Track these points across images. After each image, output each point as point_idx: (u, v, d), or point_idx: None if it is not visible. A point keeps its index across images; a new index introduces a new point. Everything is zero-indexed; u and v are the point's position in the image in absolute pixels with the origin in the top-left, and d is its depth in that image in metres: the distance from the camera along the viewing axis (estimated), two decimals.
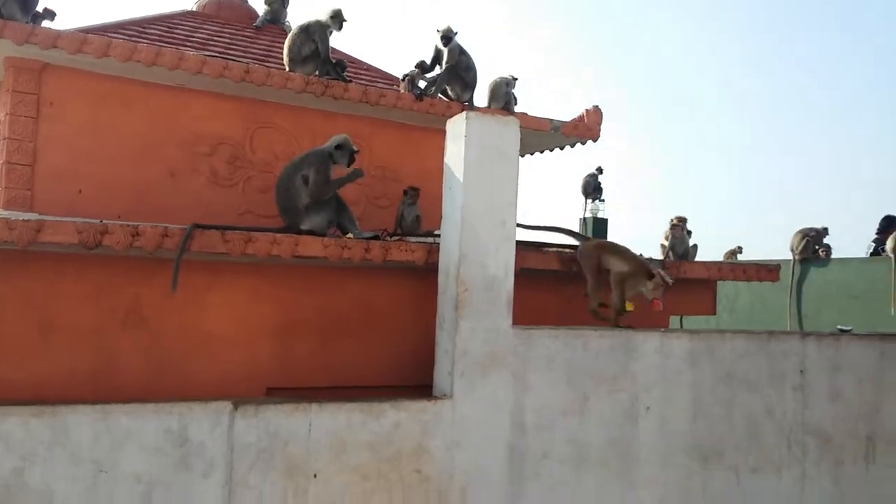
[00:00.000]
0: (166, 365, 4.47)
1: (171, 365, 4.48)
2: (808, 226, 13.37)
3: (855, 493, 5.63)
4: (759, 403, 5.34)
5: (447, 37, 7.14)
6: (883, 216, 13.52)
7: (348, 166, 5.12)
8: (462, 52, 7.17)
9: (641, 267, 5.25)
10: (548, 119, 7.17)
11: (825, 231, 13.50)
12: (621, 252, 5.34)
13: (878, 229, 13.57)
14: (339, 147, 5.07)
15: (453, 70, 7.08)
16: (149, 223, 4.20)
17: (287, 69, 6.24)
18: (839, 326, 5.98)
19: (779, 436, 5.39)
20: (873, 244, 13.56)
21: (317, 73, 6.24)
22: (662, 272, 5.20)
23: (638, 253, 5.54)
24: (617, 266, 5.25)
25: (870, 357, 5.76)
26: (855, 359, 5.70)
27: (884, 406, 5.77)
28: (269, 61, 6.91)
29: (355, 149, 5.16)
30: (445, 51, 7.10)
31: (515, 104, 7.47)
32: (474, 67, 7.24)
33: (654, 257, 6.29)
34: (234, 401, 3.98)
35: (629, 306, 5.22)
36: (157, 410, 3.80)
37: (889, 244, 12.48)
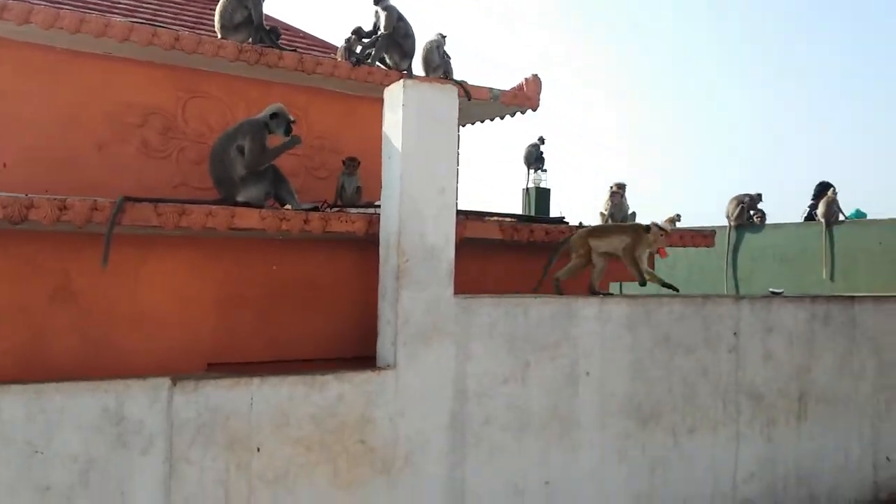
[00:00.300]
0: (101, 342, 4.36)
1: (105, 342, 4.38)
2: (744, 192, 13.71)
3: (787, 450, 5.85)
4: (696, 365, 5.48)
5: (383, 1, 7.01)
6: (818, 182, 13.95)
7: (285, 136, 5.03)
8: (400, 18, 7.05)
9: (636, 230, 5.47)
10: (487, 88, 7.15)
11: (759, 197, 13.87)
12: (610, 229, 5.61)
13: (813, 195, 14.01)
14: (274, 116, 4.97)
15: (390, 37, 6.97)
16: (77, 197, 4.06)
17: (219, 37, 6.07)
18: (771, 289, 6.16)
19: (714, 396, 5.55)
20: (808, 209, 14.01)
21: (250, 40, 6.09)
22: (657, 223, 5.49)
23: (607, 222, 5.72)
24: (616, 242, 5.44)
25: (801, 319, 5.96)
26: (786, 321, 5.89)
27: (814, 366, 5.99)
28: (199, 28, 6.71)
29: (291, 118, 5.06)
30: (382, 16, 6.98)
31: (449, 61, 7.36)
32: (413, 35, 7.14)
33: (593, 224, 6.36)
34: (173, 377, 3.90)
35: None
36: (92, 389, 3.70)
37: (820, 209, 12.91)
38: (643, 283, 5.47)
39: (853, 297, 6.48)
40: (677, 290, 5.56)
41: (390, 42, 6.96)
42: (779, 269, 11.59)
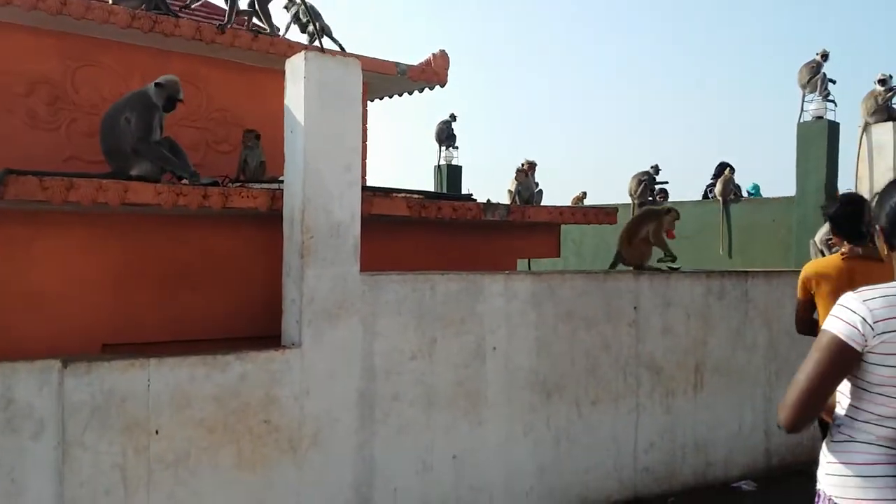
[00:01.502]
0: None
1: None
2: (642, 169, 14.10)
3: (684, 420, 6.09)
4: (598, 339, 5.62)
5: None
6: (718, 163, 14.51)
7: (166, 111, 4.80)
8: None
9: (657, 213, 6.35)
10: (394, 62, 7.08)
11: (657, 169, 14.30)
12: (642, 216, 6.49)
13: (713, 174, 14.58)
14: (158, 85, 4.75)
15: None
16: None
17: (110, 2, 5.77)
18: (668, 265, 6.36)
19: (616, 369, 5.71)
20: (707, 188, 14.56)
21: (143, 7, 5.81)
22: (674, 208, 6.52)
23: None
24: (647, 228, 6.26)
25: (697, 293, 6.18)
26: (684, 295, 6.10)
27: (709, 339, 6.24)
28: None
29: (178, 93, 4.83)
30: None
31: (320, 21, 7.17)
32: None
33: (500, 202, 6.42)
34: (63, 359, 3.73)
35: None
36: None
37: (717, 188, 13.44)
38: (674, 259, 6.36)
39: (747, 272, 6.76)
40: (675, 258, 6.38)
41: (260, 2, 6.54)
42: (678, 245, 12.02)
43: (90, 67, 5.76)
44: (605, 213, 6.82)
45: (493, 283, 5.16)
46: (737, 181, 13.86)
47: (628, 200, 13.61)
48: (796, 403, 2.08)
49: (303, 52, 4.47)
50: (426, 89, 7.74)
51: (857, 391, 2.11)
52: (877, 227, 2.21)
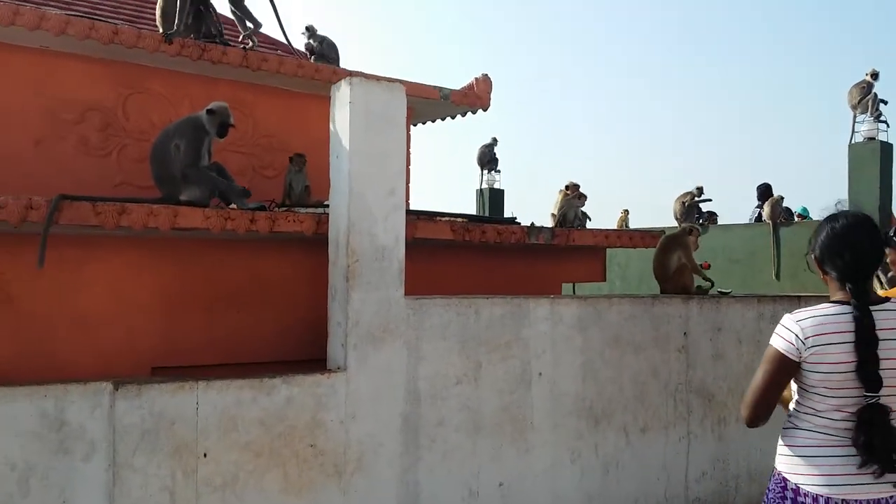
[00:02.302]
0: (39, 346, 4.19)
1: (44, 346, 4.20)
2: (685, 191, 13.91)
3: (737, 448, 5.93)
4: (646, 365, 5.51)
5: None
6: (758, 185, 14.26)
7: (219, 137, 4.86)
8: None
9: (679, 238, 6.20)
10: (437, 87, 7.11)
11: (700, 191, 14.08)
12: (665, 245, 6.28)
13: (758, 196, 14.32)
14: (210, 112, 4.81)
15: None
16: (11, 195, 3.88)
17: (161, 31, 5.90)
18: (719, 289, 6.23)
19: (665, 396, 5.59)
20: (756, 210, 14.29)
21: (192, 35, 5.92)
22: (693, 226, 6.45)
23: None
24: (675, 256, 6.09)
25: (748, 318, 6.04)
26: (735, 320, 5.96)
27: None
28: (140, 22, 6.52)
29: (229, 119, 4.89)
30: None
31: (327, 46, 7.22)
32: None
33: (544, 226, 6.36)
34: (115, 381, 3.76)
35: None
36: (29, 393, 3.55)
37: (765, 211, 13.19)
38: (712, 284, 6.30)
39: (799, 296, 6.60)
40: (712, 283, 6.30)
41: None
42: (728, 269, 11.82)
43: (140, 95, 5.88)
44: (651, 237, 6.73)
45: (539, 308, 5.10)
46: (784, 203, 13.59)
47: (673, 222, 13.44)
48: (751, 404, 2.73)
49: (348, 78, 4.50)
50: (469, 113, 7.75)
51: (800, 391, 2.72)
52: (812, 256, 2.75)
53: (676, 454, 5.63)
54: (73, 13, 5.68)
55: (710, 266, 6.32)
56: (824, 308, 2.66)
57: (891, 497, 2.61)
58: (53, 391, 3.61)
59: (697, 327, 5.76)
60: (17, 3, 5.46)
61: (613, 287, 13.09)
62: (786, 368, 2.67)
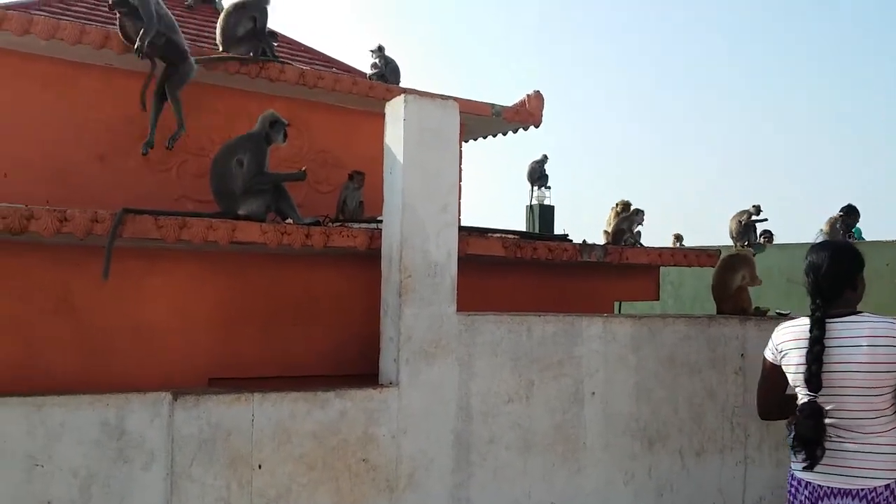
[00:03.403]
0: (101, 356, 4.28)
1: (106, 356, 4.30)
2: (742, 209, 13.63)
3: None
4: (702, 387, 5.41)
5: None
6: (843, 206, 13.75)
7: (283, 142, 4.97)
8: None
9: (741, 259, 6.13)
10: (489, 104, 7.13)
11: (758, 209, 13.79)
12: (727, 264, 6.17)
13: (843, 217, 13.84)
14: (272, 124, 4.92)
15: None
16: (78, 209, 4.00)
17: (221, 49, 6.04)
18: (777, 311, 6.10)
19: (722, 418, 5.47)
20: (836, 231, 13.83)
21: (251, 53, 6.05)
22: (748, 250, 6.50)
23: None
24: (737, 276, 6.01)
25: None
26: None
27: None
28: (201, 41, 6.67)
29: (284, 121, 5.02)
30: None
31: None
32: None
33: (597, 243, 6.32)
34: (174, 391, 3.84)
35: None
36: (92, 402, 3.64)
37: (824, 229, 12.86)
38: (766, 312, 6.11)
39: None
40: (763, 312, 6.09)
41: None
42: (785, 290, 11.56)
43: (200, 111, 6.02)
44: (707, 255, 6.63)
45: (592, 326, 5.05)
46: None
47: (728, 241, 13.19)
48: (758, 402, 3.61)
49: (403, 95, 4.55)
50: (520, 130, 7.75)
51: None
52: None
53: (733, 479, 5.50)
54: None
55: (761, 282, 6.15)
56: (798, 321, 3.36)
57: (860, 489, 3.08)
58: (115, 400, 3.69)
59: (755, 349, 5.60)
60: (83, 22, 5.65)
61: (666, 306, 12.89)
62: (772, 370, 3.44)
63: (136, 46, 5.15)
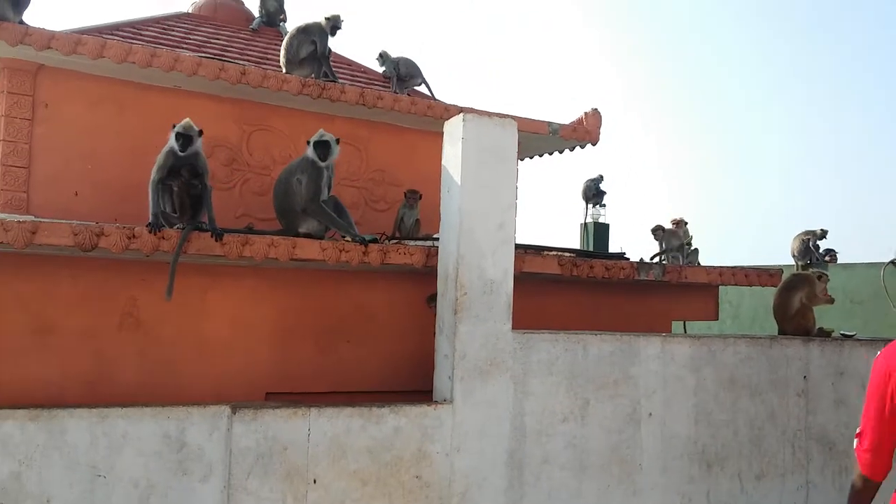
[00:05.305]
0: (163, 369, 4.42)
1: (168, 369, 4.43)
2: (807, 229, 13.29)
3: None
4: (763, 409, 5.28)
5: None
6: None
7: (321, 159, 4.85)
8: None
9: (805, 279, 6.06)
10: (546, 122, 7.13)
11: (824, 233, 13.43)
12: (790, 284, 6.10)
13: None
14: (315, 146, 4.86)
15: None
16: (145, 226, 4.14)
17: (284, 71, 6.19)
18: (842, 332, 5.92)
19: (783, 442, 5.33)
20: None
21: (313, 75, 6.19)
22: (822, 272, 6.18)
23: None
24: (798, 296, 5.94)
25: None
26: (859, 364, 5.64)
27: None
28: (265, 63, 6.86)
29: (327, 139, 4.89)
30: None
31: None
32: None
33: (654, 262, 6.25)
34: (233, 405, 3.92)
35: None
36: (154, 414, 3.75)
37: None
38: (828, 334, 5.91)
39: None
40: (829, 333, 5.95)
41: None
42: (850, 311, 11.18)
43: (263, 131, 6.18)
44: (769, 275, 6.48)
45: (649, 346, 4.99)
46: None
47: (789, 260, 12.86)
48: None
49: (461, 115, 4.58)
50: (577, 148, 7.72)
51: None
52: None
53: None
54: (204, 55, 6.03)
55: (833, 300, 5.99)
56: None
57: None
58: (176, 413, 3.79)
59: (818, 371, 5.48)
60: (154, 46, 5.87)
61: (724, 327, 12.62)
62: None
63: None
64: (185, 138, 4.47)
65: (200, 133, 4.57)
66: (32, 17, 5.66)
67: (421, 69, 7.56)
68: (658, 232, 7.62)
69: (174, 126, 4.54)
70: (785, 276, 6.58)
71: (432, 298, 4.68)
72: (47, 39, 5.16)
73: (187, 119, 4.57)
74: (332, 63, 6.50)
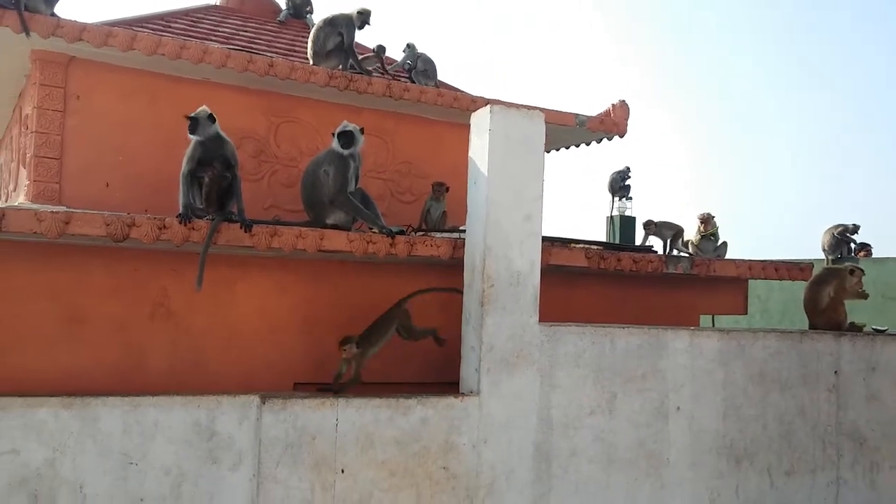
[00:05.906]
0: (194, 358, 4.46)
1: (198, 358, 4.47)
2: (838, 223, 13.10)
3: (892, 497, 5.50)
4: (792, 404, 5.23)
5: None
6: None
7: (344, 148, 4.84)
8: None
9: (835, 272, 5.95)
10: (573, 114, 7.09)
11: (856, 228, 13.23)
12: (821, 278, 6.00)
13: None
14: (339, 136, 4.88)
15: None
16: (175, 216, 4.17)
17: (311, 63, 6.21)
18: (874, 327, 5.84)
19: (813, 437, 5.27)
20: None
21: (340, 66, 6.20)
22: (855, 266, 5.95)
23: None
24: (827, 290, 5.85)
25: None
26: (892, 359, 5.56)
27: None
28: (292, 55, 6.88)
29: (350, 129, 4.89)
30: None
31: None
32: None
33: (683, 255, 6.20)
34: (262, 395, 3.96)
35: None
36: (185, 403, 3.79)
37: None
38: (860, 329, 5.83)
39: None
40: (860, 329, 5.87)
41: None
42: (882, 306, 11.02)
43: (290, 123, 6.20)
44: (800, 269, 6.40)
45: (677, 339, 4.95)
46: None
47: (820, 254, 12.69)
48: None
49: (488, 106, 4.57)
50: (604, 140, 7.67)
51: None
52: None
53: (824, 500, 5.29)
54: (232, 47, 6.07)
55: (867, 295, 5.89)
56: None
57: None
58: (206, 402, 3.83)
59: (850, 366, 5.41)
60: (183, 38, 5.91)
61: (753, 321, 12.47)
62: None
63: None
64: (191, 121, 4.52)
65: (212, 118, 4.56)
66: (63, 9, 5.70)
67: (437, 72, 7.53)
68: (650, 226, 7.46)
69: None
70: (816, 270, 6.49)
71: (345, 341, 4.45)
72: (78, 31, 5.21)
73: (203, 106, 4.59)
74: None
